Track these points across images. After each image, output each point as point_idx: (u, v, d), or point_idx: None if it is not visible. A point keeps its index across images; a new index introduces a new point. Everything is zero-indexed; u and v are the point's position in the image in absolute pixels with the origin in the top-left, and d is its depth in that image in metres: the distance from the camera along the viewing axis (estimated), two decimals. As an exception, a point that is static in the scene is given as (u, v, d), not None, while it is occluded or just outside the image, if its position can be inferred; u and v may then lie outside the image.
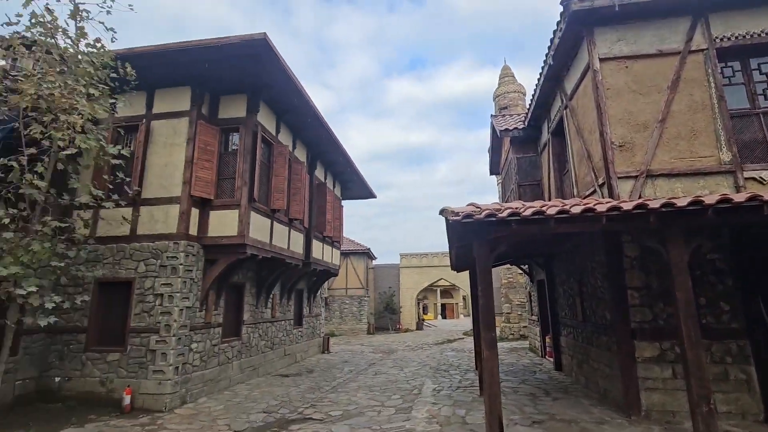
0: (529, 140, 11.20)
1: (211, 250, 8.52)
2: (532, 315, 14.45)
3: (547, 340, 11.31)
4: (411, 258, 28.78)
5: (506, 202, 10.99)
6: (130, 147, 8.28)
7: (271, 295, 11.51)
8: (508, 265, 17.34)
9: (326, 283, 17.57)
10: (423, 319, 32.09)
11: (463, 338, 21.27)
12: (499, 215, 4.35)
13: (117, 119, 8.28)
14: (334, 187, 15.52)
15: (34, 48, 6.43)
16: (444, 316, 51.64)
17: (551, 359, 10.87)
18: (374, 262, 29.83)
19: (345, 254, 25.01)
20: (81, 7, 6.55)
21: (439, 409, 6.90)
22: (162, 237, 8.00)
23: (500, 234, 4.61)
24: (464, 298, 50.10)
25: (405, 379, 10.00)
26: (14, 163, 5.74)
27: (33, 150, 5.95)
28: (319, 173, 13.90)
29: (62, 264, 6.26)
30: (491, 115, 12.31)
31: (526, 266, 13.16)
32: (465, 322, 37.67)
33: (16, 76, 6.31)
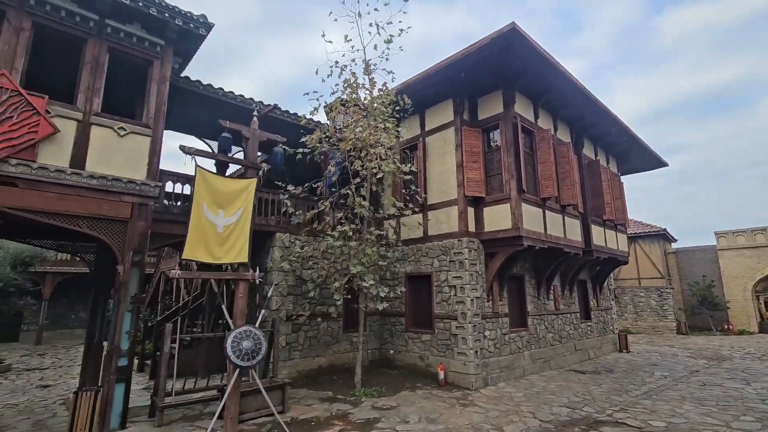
0: None
1: (489, 245, 9.04)
2: None
3: None
4: (735, 236, 21.44)
5: None
6: (413, 163, 9.90)
7: (552, 287, 11.09)
8: None
9: (612, 272, 15.41)
10: (768, 319, 23.13)
11: None
12: None
13: (402, 143, 10.15)
14: (608, 163, 13.56)
15: (345, 104, 8.70)
16: (808, 316, 35.64)
17: None
18: (674, 246, 24.01)
19: (632, 238, 21.26)
20: (370, 62, 8.38)
21: (840, 448, 4.77)
22: (447, 236, 9.12)
23: None
24: None
25: (757, 397, 7.49)
26: (350, 191, 7.91)
27: (358, 179, 8.03)
28: (588, 151, 12.46)
29: (385, 263, 8.17)
30: None
31: None
32: None
33: (340, 128, 8.71)
